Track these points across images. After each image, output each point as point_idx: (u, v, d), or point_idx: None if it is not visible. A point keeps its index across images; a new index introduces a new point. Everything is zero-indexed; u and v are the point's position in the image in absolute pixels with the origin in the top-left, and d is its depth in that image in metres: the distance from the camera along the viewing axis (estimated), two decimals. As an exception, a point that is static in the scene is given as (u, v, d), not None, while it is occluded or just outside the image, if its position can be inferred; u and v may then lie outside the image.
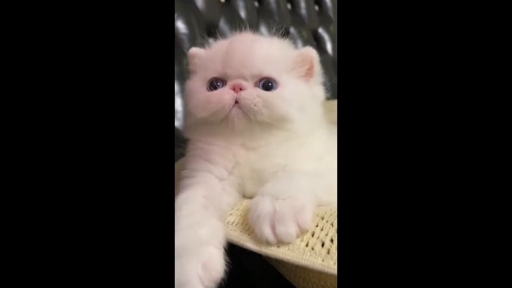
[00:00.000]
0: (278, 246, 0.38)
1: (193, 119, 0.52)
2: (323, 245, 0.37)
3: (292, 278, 0.51)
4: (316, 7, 1.51)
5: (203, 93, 0.51)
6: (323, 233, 0.38)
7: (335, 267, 0.34)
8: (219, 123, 0.50)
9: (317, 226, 0.39)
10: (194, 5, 1.03)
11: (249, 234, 0.41)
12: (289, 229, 0.37)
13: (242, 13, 1.17)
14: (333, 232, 0.37)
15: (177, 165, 0.58)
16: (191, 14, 1.00)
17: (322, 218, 0.40)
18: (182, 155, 0.57)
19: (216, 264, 0.38)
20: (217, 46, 0.56)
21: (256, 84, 0.50)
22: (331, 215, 0.40)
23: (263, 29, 1.19)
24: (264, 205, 0.39)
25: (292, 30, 1.32)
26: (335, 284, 0.43)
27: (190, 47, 0.59)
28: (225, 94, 0.49)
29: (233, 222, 0.43)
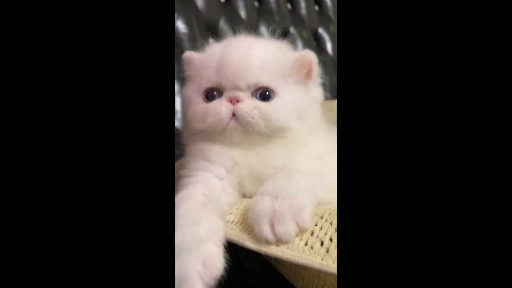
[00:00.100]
0: (277, 245, 0.38)
1: (191, 128, 0.52)
2: (322, 244, 0.37)
3: (292, 277, 0.51)
4: (316, 7, 1.51)
5: (200, 105, 0.51)
6: (322, 232, 0.38)
7: (334, 266, 0.34)
8: (217, 134, 0.49)
9: (316, 225, 0.39)
10: (194, 5, 1.03)
11: (248, 233, 0.41)
12: (288, 228, 0.38)
13: (242, 13, 1.17)
14: (332, 231, 0.38)
15: (176, 165, 0.58)
16: (191, 14, 1.00)
17: (321, 217, 0.40)
18: (181, 155, 0.57)
19: (216, 261, 0.38)
20: (211, 51, 0.54)
21: (253, 94, 0.50)
22: (330, 214, 0.40)
23: (263, 29, 1.19)
24: (264, 204, 0.39)
25: (292, 30, 1.32)
26: (335, 283, 0.43)
27: (190, 47, 0.58)
28: (222, 107, 0.48)
29: (232, 221, 0.44)
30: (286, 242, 0.38)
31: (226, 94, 0.50)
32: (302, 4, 1.42)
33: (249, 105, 0.48)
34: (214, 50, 0.53)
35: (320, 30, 1.47)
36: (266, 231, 0.38)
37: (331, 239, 0.37)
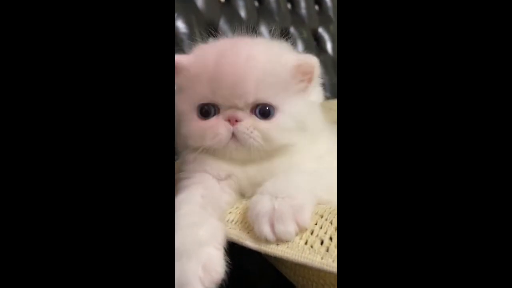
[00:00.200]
0: (277, 244, 0.38)
1: (188, 144, 0.49)
2: (322, 243, 0.37)
3: (292, 277, 0.51)
4: (316, 7, 1.51)
5: (195, 122, 0.48)
6: (322, 231, 0.38)
7: (334, 264, 0.34)
8: (216, 150, 0.48)
9: (316, 224, 0.39)
10: (194, 4, 1.03)
11: (248, 232, 0.41)
12: (288, 228, 0.38)
13: (242, 13, 1.17)
14: (332, 230, 0.38)
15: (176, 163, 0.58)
16: (191, 14, 1.00)
17: (321, 216, 0.40)
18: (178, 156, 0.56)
19: (216, 265, 0.38)
20: (204, 58, 0.49)
21: (252, 111, 0.47)
22: (330, 213, 0.40)
23: (263, 29, 1.19)
24: (264, 204, 0.39)
25: (292, 29, 1.32)
26: (335, 282, 0.43)
27: (190, 46, 0.57)
28: (220, 127, 0.46)
29: (232, 221, 0.43)
30: (286, 242, 0.38)
31: (224, 113, 0.47)
32: (302, 4, 1.42)
33: (250, 126, 0.46)
34: (207, 57, 0.48)
35: (320, 30, 1.47)
36: (266, 230, 0.38)
37: (331, 238, 0.37)
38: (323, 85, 0.55)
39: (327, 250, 0.36)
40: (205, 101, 0.48)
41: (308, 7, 1.43)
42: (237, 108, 0.47)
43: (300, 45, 1.28)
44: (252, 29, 0.54)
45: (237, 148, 0.47)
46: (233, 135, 0.46)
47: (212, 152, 0.48)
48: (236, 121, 0.46)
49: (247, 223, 0.41)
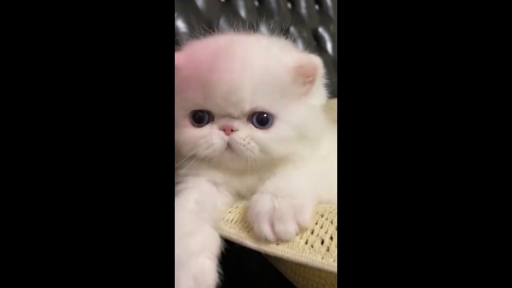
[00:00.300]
0: (277, 244, 0.38)
1: (180, 152, 0.46)
2: (322, 242, 0.37)
3: (292, 277, 0.51)
4: (316, 7, 1.51)
5: (188, 130, 0.45)
6: (323, 230, 0.38)
7: (335, 264, 0.34)
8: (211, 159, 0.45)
9: (316, 223, 0.39)
10: (194, 4, 1.03)
11: (248, 232, 0.40)
12: (288, 228, 0.37)
13: (242, 13, 1.17)
14: (332, 230, 0.37)
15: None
16: (191, 13, 1.00)
17: (322, 216, 0.40)
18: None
19: (208, 277, 0.37)
20: (196, 59, 0.45)
21: (249, 119, 0.44)
22: (330, 212, 0.40)
23: (263, 28, 1.19)
24: (264, 203, 0.39)
25: (292, 29, 1.32)
26: (335, 282, 0.43)
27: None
28: (214, 137, 0.43)
29: (232, 220, 0.43)
30: (286, 241, 0.38)
31: (218, 121, 0.44)
32: (302, 4, 1.42)
33: (246, 136, 0.43)
34: (200, 58, 0.45)
35: (320, 30, 1.47)
36: (266, 230, 0.38)
37: (331, 238, 0.37)
38: (326, 85, 0.52)
39: (328, 250, 0.36)
40: (198, 108, 0.45)
41: (308, 7, 1.43)
42: (232, 116, 0.44)
43: (300, 45, 1.28)
44: (252, 27, 0.51)
45: (233, 158, 0.44)
46: (229, 145, 0.44)
47: (207, 161, 0.45)
48: (232, 130, 0.44)
49: (247, 222, 0.41)
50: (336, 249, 0.35)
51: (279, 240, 0.38)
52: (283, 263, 0.51)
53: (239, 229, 0.41)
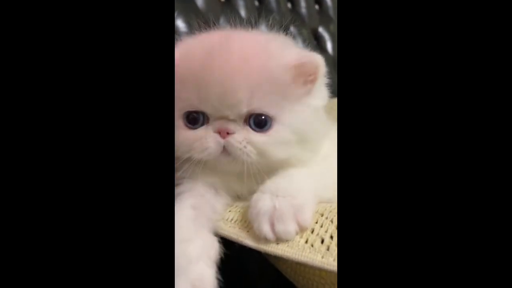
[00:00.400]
0: (277, 243, 0.38)
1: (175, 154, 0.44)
2: (322, 241, 0.37)
3: (292, 276, 0.51)
4: (316, 6, 1.51)
5: (181, 131, 0.43)
6: (323, 229, 0.38)
7: (335, 263, 0.34)
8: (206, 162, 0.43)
9: (316, 222, 0.39)
10: (194, 4, 1.03)
11: (248, 231, 0.40)
12: (288, 228, 0.37)
13: (242, 12, 1.17)
14: (332, 229, 0.37)
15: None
16: (191, 13, 1.00)
17: (322, 215, 0.40)
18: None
19: (206, 284, 0.37)
20: (189, 57, 0.43)
21: (246, 121, 0.42)
22: (330, 211, 0.40)
23: (263, 28, 1.19)
24: (264, 202, 0.39)
25: (292, 29, 1.32)
26: (335, 281, 0.43)
27: None
28: (209, 141, 0.42)
29: (232, 219, 0.43)
30: (286, 241, 0.38)
31: (213, 123, 0.42)
32: (302, 3, 1.42)
33: (242, 139, 0.41)
34: (193, 56, 0.43)
35: (320, 30, 1.47)
36: (266, 229, 0.38)
37: (331, 237, 0.37)
38: (328, 85, 0.49)
39: (328, 249, 0.36)
40: (192, 109, 0.43)
41: (308, 6, 1.43)
42: (228, 118, 0.42)
43: (300, 45, 1.28)
44: (251, 26, 0.49)
45: (229, 162, 0.43)
46: (224, 148, 0.42)
47: (203, 164, 0.43)
48: (228, 133, 0.42)
49: (247, 221, 0.41)
50: (336, 248, 0.35)
51: (279, 240, 0.38)
52: (283, 262, 0.51)
53: (239, 229, 0.41)
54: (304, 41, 1.31)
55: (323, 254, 0.35)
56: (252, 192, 0.42)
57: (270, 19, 0.50)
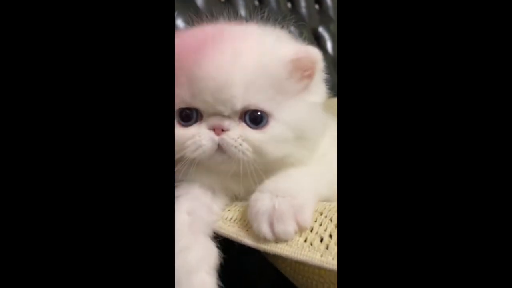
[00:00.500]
0: (276, 242, 0.38)
1: None
2: (322, 240, 0.37)
3: (292, 275, 0.51)
4: (317, 6, 1.51)
5: (174, 128, 0.41)
6: (322, 228, 0.38)
7: (334, 262, 0.34)
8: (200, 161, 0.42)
9: (315, 221, 0.39)
10: (194, 3, 1.03)
11: (247, 230, 0.40)
12: (287, 228, 0.37)
13: (243, 12, 1.17)
14: (332, 228, 0.37)
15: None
16: (191, 13, 1.00)
17: (321, 214, 0.39)
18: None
19: None
20: (181, 51, 0.40)
21: (241, 117, 0.41)
22: (330, 210, 0.40)
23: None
24: (263, 202, 0.39)
25: (292, 29, 1.32)
26: (334, 280, 0.43)
27: None
28: (203, 138, 0.40)
29: (231, 218, 0.43)
30: (285, 241, 0.38)
31: (207, 120, 0.41)
32: (302, 3, 1.42)
33: (238, 137, 0.40)
34: (185, 51, 0.41)
35: (320, 29, 1.47)
36: (265, 229, 0.38)
37: (330, 236, 0.37)
38: (326, 81, 0.48)
39: (327, 248, 0.36)
40: (185, 105, 0.41)
41: (308, 6, 1.43)
42: (222, 115, 0.40)
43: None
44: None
45: (224, 161, 0.41)
46: (219, 146, 0.40)
47: (196, 164, 0.42)
48: (222, 130, 0.40)
49: (246, 221, 0.41)
50: (335, 247, 0.35)
51: (278, 240, 0.38)
52: (282, 261, 0.51)
53: (238, 228, 0.41)
54: (304, 41, 1.31)
55: (322, 253, 0.36)
56: (250, 192, 0.41)
57: (266, 12, 0.48)
